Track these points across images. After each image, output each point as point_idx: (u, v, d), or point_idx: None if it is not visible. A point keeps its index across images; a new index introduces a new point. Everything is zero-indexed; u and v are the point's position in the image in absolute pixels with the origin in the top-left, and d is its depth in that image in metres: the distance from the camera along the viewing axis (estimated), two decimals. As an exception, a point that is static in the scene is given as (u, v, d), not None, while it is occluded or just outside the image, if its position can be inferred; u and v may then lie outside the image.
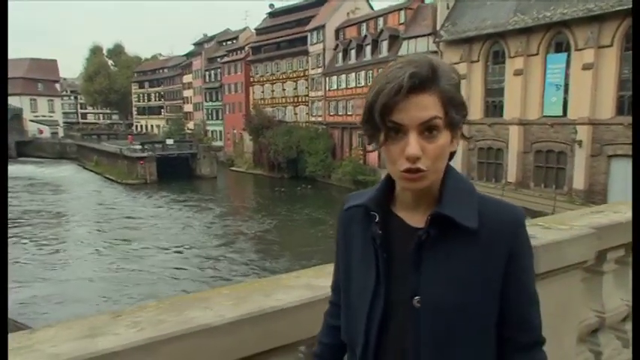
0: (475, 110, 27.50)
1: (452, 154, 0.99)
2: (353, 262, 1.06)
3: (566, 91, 23.36)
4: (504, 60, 25.92)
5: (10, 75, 66.77)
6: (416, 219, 0.99)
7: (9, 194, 34.86)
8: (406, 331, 0.96)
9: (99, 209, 30.21)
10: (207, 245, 22.00)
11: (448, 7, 28.98)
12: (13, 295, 13.23)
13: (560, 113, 23.59)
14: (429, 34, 30.57)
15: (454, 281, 0.94)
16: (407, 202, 1.01)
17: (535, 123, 24.40)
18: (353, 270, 1.06)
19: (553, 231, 2.05)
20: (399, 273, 0.98)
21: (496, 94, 26.89)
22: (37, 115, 69.11)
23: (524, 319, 1.00)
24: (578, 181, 22.78)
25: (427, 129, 0.90)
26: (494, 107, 27.07)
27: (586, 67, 22.05)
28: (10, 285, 12.85)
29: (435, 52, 30.02)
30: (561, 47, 23.56)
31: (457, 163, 28.26)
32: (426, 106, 0.90)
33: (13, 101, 62.51)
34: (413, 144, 0.89)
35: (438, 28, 29.19)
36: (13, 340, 1.12)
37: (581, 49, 22.24)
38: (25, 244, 21.47)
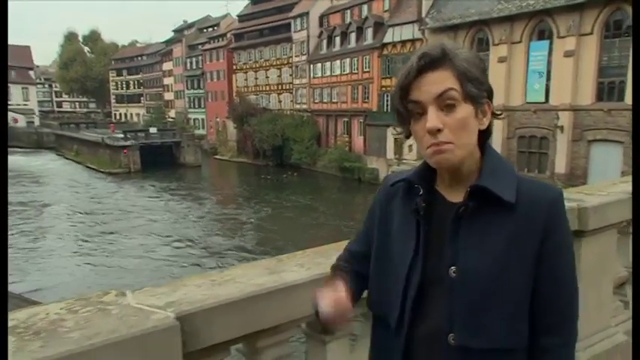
0: (459, 97, 28.01)
1: (486, 134, 1.02)
2: (391, 236, 1.08)
3: (548, 78, 24.00)
4: (489, 47, 26.41)
5: (-19, 62, 64.46)
6: (456, 195, 1.02)
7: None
8: (441, 303, 0.99)
9: (90, 201, 29.71)
10: (214, 240, 21.49)
11: (433, -5, 29.26)
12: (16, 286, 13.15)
13: (543, 99, 24.26)
14: (414, 22, 30.83)
15: (490, 253, 0.96)
16: (447, 179, 1.04)
17: (518, 109, 25.02)
18: (391, 242, 1.08)
19: (596, 196, 2.37)
20: (437, 246, 1.01)
21: (480, 81, 27.41)
22: (10, 103, 67.16)
23: (552, 301, 0.99)
24: (560, 165, 23.57)
25: (446, 104, 0.94)
26: (478, 94, 27.60)
27: (567, 54, 22.69)
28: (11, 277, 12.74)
29: (420, 39, 30.39)
30: (544, 35, 24.14)
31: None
32: (438, 81, 0.94)
33: (-15, 89, 60.52)
34: (431, 117, 0.94)
35: (423, 15, 29.47)
36: (211, 277, 1.37)
37: (562, 37, 22.85)
38: (13, 235, 21.19)
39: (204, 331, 1.18)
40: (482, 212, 0.97)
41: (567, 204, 2.36)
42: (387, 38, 33.60)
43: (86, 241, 20.99)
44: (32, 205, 27.96)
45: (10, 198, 29.10)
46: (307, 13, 42.54)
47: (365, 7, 37.77)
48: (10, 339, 1.03)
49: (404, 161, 29.29)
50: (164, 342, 1.09)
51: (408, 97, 0.96)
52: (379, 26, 34.88)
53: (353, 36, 37.28)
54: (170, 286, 1.30)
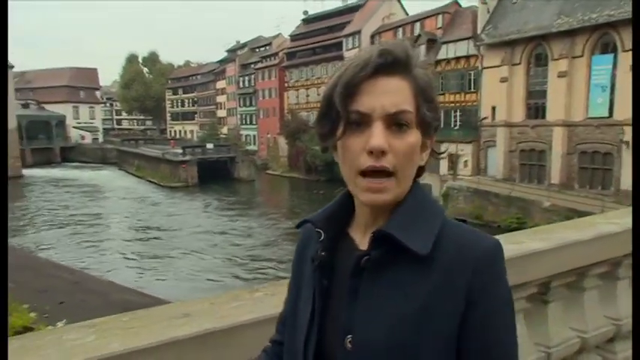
0: (517, 112, 27.82)
1: (420, 171, 0.84)
2: (301, 291, 0.89)
3: (612, 92, 23.53)
4: (547, 62, 26.20)
5: (54, 84, 70.19)
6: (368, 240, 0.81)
7: (68, 196, 35.87)
8: None
9: (159, 215, 30.75)
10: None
11: (489, 11, 29.40)
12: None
13: (606, 114, 23.75)
14: (468, 38, 31.01)
15: (397, 319, 0.75)
16: (364, 219, 0.85)
17: (579, 124, 24.59)
18: (300, 300, 0.89)
19: None
20: (336, 308, 0.82)
21: (538, 96, 27.13)
22: (79, 121, 72.13)
23: None
24: (626, 182, 22.82)
25: (395, 123, 0.76)
26: (536, 109, 27.35)
27: (634, 68, 22.20)
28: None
29: (476, 55, 30.51)
30: (607, 48, 23.77)
31: (499, 165, 28.58)
32: (396, 92, 0.77)
33: (57, 109, 65.79)
34: (377, 134, 0.75)
35: (478, 31, 29.63)
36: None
37: (628, 50, 22.40)
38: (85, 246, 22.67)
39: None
40: (391, 265, 0.77)
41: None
42: (441, 55, 33.84)
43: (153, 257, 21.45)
44: (102, 216, 29.81)
45: (87, 210, 31.35)
46: (359, 32, 43.53)
47: (417, 25, 38.25)
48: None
49: (459, 177, 29.21)
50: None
51: (352, 101, 0.76)
52: (432, 43, 35.17)
53: (405, 53, 37.71)
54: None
